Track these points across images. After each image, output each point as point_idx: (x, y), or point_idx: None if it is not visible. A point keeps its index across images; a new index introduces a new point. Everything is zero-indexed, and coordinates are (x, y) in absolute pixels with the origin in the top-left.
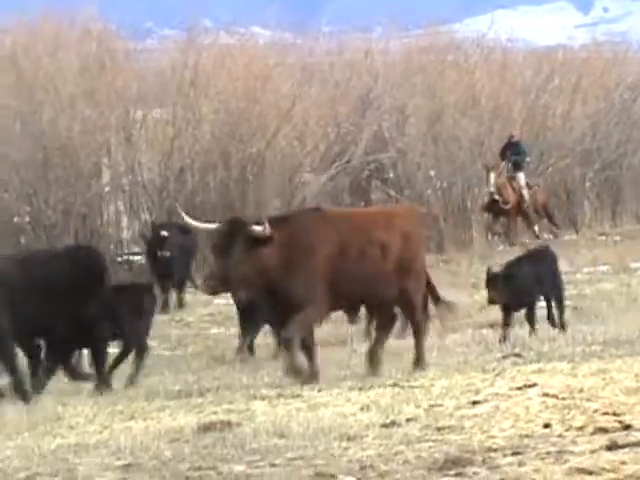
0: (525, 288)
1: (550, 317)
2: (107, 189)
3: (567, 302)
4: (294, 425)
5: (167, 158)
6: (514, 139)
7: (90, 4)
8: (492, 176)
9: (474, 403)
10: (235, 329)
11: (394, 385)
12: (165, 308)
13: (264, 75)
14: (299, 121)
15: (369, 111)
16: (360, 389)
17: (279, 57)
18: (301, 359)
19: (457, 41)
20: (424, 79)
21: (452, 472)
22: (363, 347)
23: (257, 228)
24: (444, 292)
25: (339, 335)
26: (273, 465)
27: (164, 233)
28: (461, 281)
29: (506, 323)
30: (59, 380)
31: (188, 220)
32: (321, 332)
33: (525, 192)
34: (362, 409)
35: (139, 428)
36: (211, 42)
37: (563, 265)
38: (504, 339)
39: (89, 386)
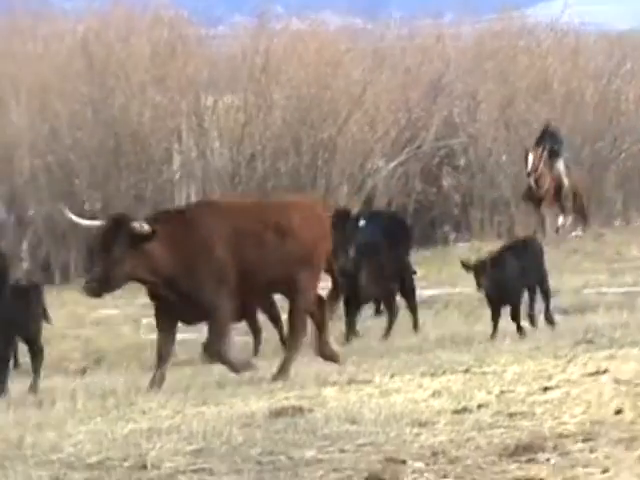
0: (509, 280)
1: (532, 312)
2: (178, 175)
3: None
4: (365, 411)
5: (238, 144)
6: (551, 127)
7: None
8: (530, 156)
9: (545, 389)
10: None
11: (466, 371)
12: None
13: (335, 61)
14: (370, 107)
15: (440, 97)
16: (432, 375)
17: (350, 43)
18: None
19: (529, 26)
20: (496, 64)
21: (523, 458)
22: (435, 332)
23: (136, 225)
24: None
25: (411, 321)
26: (343, 451)
27: None
28: None
29: (494, 318)
30: (129, 366)
31: (71, 217)
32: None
33: (565, 179)
34: (434, 395)
35: (211, 413)
36: (282, 28)
37: (634, 251)
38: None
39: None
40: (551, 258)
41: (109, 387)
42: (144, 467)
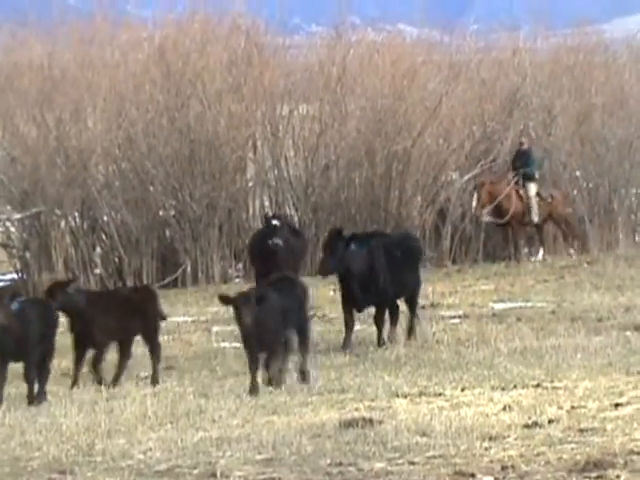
0: (269, 322)
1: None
2: (252, 184)
3: None
4: (436, 424)
5: (313, 154)
6: (523, 147)
7: (239, 0)
8: (474, 196)
9: (617, 405)
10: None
11: (537, 386)
12: None
13: (411, 73)
14: (445, 119)
15: (516, 110)
16: (503, 389)
17: (426, 55)
18: None
19: (606, 41)
20: (572, 79)
21: (593, 474)
22: (506, 346)
23: None
24: (586, 294)
25: (482, 334)
26: (413, 463)
27: (276, 222)
28: (606, 283)
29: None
30: (200, 374)
31: None
32: (462, 331)
33: (533, 203)
34: (504, 409)
35: (281, 423)
36: (358, 39)
37: None
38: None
39: (231, 380)
40: (626, 274)
41: (179, 394)
42: (213, 475)
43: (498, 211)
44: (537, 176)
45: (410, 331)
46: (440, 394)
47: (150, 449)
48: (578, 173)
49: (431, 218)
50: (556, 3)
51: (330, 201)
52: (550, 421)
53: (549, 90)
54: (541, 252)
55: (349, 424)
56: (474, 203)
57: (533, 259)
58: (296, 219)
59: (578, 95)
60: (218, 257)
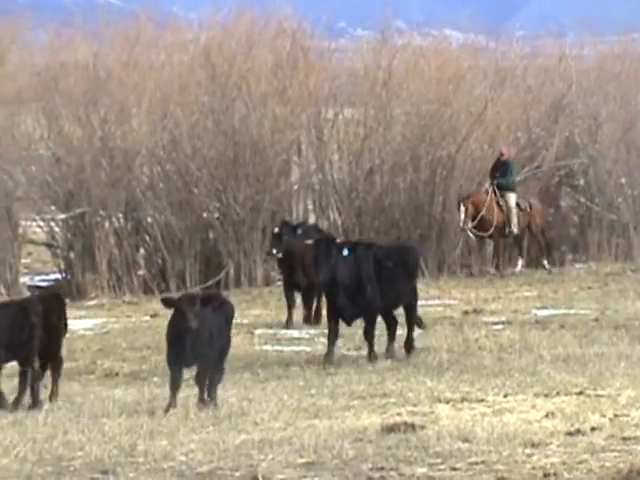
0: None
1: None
2: (296, 187)
3: None
4: (478, 430)
5: (357, 158)
6: (503, 158)
7: (285, 2)
8: (462, 209)
9: None
10: (420, 331)
11: (580, 393)
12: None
13: (457, 78)
14: (490, 125)
15: (561, 117)
16: (545, 396)
17: (472, 60)
18: None
19: None
20: (618, 86)
21: None
22: (549, 353)
23: None
24: (630, 301)
25: (525, 341)
26: (455, 469)
27: (276, 230)
28: None
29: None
30: (242, 377)
31: None
32: (505, 338)
33: (513, 214)
34: (547, 416)
35: (323, 426)
36: (404, 44)
37: None
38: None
39: (273, 383)
40: None
41: (221, 397)
42: (255, 478)
43: (482, 224)
44: (515, 187)
45: (407, 346)
46: (482, 400)
47: (192, 451)
48: (623, 180)
49: (475, 224)
50: (603, 10)
51: (374, 206)
52: (593, 429)
53: (595, 97)
54: (520, 263)
55: (391, 429)
56: (462, 216)
57: (512, 270)
58: (339, 223)
59: (624, 102)
60: (261, 260)
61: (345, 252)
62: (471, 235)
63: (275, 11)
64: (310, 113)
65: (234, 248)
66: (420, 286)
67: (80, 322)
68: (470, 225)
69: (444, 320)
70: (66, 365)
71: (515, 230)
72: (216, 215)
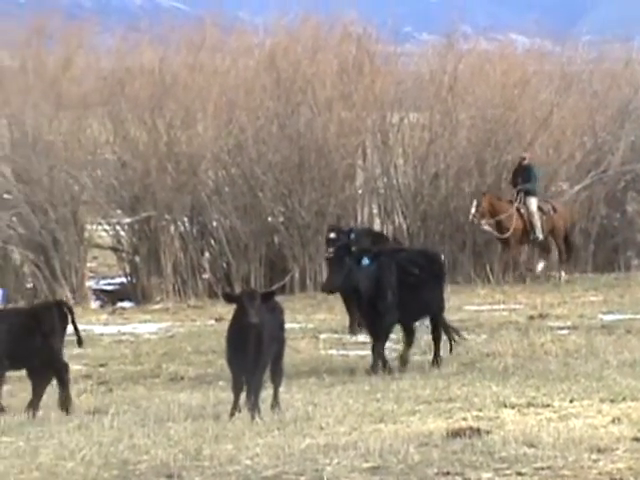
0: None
1: None
2: (361, 191)
3: None
4: (544, 435)
5: (422, 162)
6: (525, 162)
7: (350, 7)
8: (474, 203)
9: None
10: (485, 336)
11: None
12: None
13: (522, 83)
14: (556, 129)
15: (627, 122)
16: (612, 401)
17: (538, 65)
18: None
19: None
20: None
21: None
22: (616, 358)
23: None
24: None
25: (591, 345)
26: (520, 474)
27: (332, 235)
28: None
29: None
30: (307, 382)
31: None
32: (571, 343)
33: (536, 219)
34: (613, 422)
35: (388, 431)
36: (470, 48)
37: None
38: None
39: (339, 387)
40: None
41: (287, 401)
42: None
43: (499, 226)
44: (537, 191)
45: (435, 359)
46: (548, 405)
47: (257, 455)
48: None
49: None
50: None
51: (439, 210)
52: None
53: None
54: (541, 265)
55: (456, 433)
56: (472, 210)
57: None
58: (404, 227)
59: None
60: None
61: (365, 262)
62: (485, 230)
63: (340, 16)
64: (375, 117)
65: (299, 252)
66: (485, 291)
67: (145, 326)
68: (482, 221)
69: (510, 325)
70: (131, 369)
71: (540, 236)
72: (281, 219)
